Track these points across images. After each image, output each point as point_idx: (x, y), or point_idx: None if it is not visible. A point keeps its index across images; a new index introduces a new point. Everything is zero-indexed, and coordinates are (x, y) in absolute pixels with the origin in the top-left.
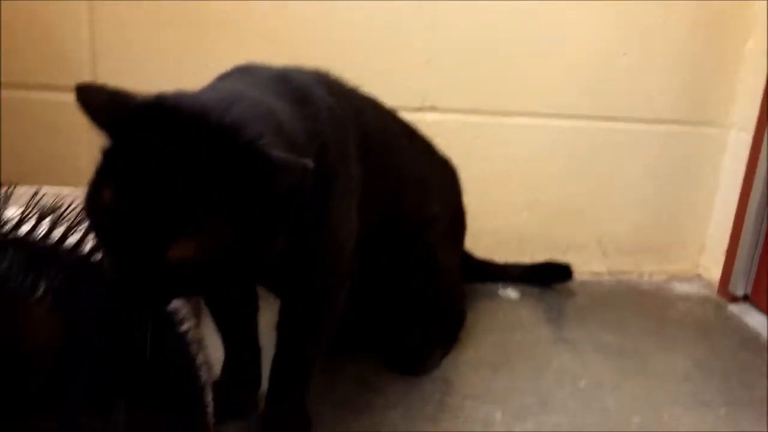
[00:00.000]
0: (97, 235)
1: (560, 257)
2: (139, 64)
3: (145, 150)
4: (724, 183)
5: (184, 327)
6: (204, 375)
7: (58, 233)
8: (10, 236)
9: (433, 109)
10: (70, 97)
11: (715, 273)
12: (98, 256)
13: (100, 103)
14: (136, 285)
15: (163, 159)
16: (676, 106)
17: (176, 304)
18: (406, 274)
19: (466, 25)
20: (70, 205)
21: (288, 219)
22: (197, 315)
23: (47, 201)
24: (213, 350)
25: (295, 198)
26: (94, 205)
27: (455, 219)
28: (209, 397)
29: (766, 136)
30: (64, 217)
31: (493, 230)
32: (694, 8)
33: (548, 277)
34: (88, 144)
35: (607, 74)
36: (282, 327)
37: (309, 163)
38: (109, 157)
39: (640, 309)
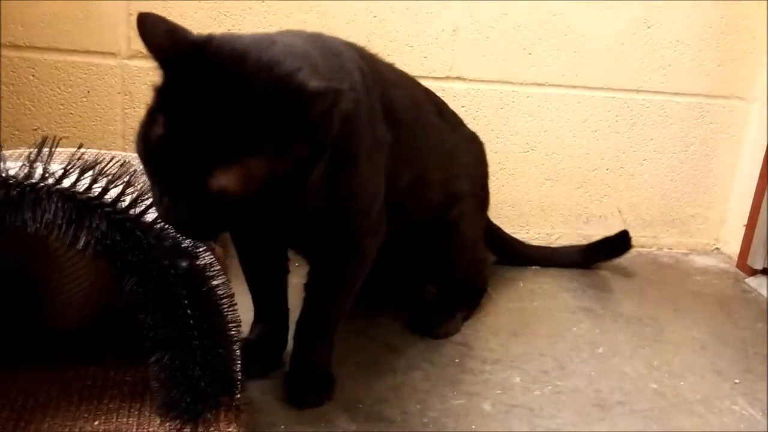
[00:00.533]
0: (147, 170)
1: (581, 228)
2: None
3: (193, 84)
4: (745, 157)
5: (216, 282)
6: (233, 331)
7: (99, 187)
8: (54, 189)
9: (459, 78)
10: (106, 61)
11: (734, 247)
12: (138, 209)
13: (158, 38)
14: (179, 215)
15: (209, 92)
16: (700, 80)
17: (209, 259)
18: (431, 246)
19: None
20: (111, 161)
21: (324, 149)
22: (226, 274)
23: (88, 157)
24: (241, 312)
25: (330, 123)
26: (145, 140)
27: (481, 194)
28: (238, 353)
29: None
30: (105, 172)
31: (515, 201)
32: None
33: (609, 252)
34: (121, 108)
35: (632, 47)
36: (311, 285)
37: (343, 87)
38: (161, 93)
39: (658, 280)
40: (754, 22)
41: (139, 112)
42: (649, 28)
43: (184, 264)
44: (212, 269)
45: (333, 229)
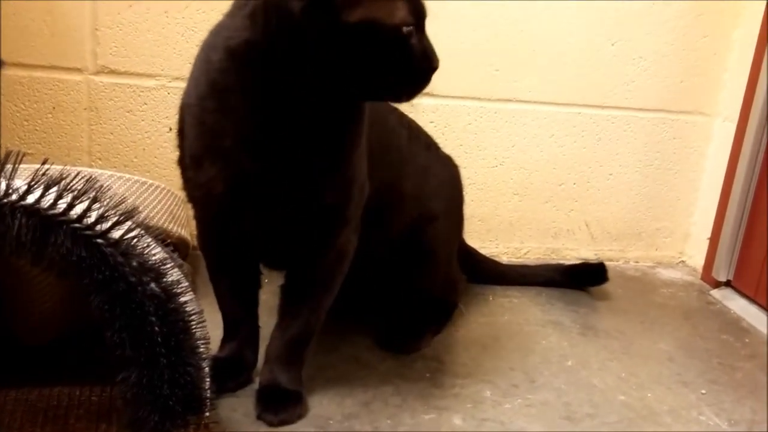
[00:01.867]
0: None
1: (549, 242)
2: (141, 45)
3: None
4: (708, 172)
5: (184, 299)
6: (202, 348)
7: (64, 203)
8: (18, 205)
9: (428, 94)
10: (71, 77)
11: (698, 260)
12: (105, 225)
13: None
14: None
15: None
16: (663, 95)
17: (177, 276)
18: (404, 264)
19: (461, 12)
20: (76, 177)
21: None
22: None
23: (53, 173)
24: (210, 329)
25: None
26: None
27: (456, 215)
28: (207, 371)
29: (749, 125)
30: (70, 187)
31: (484, 216)
32: None
33: (582, 280)
34: (88, 124)
35: (597, 63)
36: (288, 291)
37: None
38: None
39: (626, 294)
40: (714, 39)
41: (106, 128)
42: (612, 45)
43: (151, 281)
44: (180, 286)
45: (316, 221)
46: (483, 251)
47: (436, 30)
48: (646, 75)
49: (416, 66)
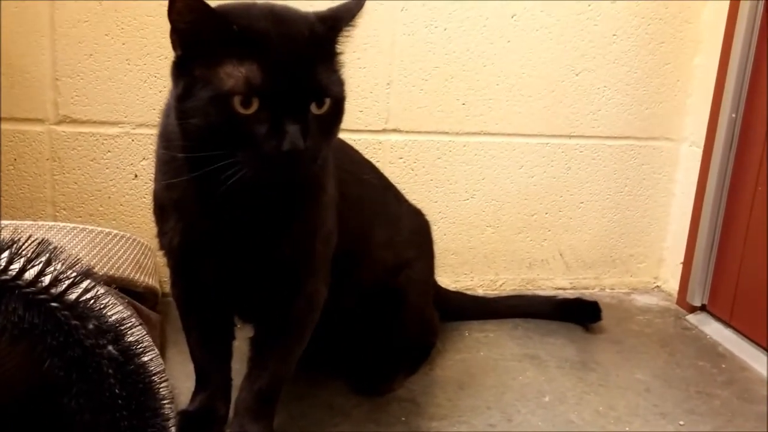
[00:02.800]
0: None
1: (524, 273)
2: (103, 93)
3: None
4: (678, 196)
5: (145, 358)
6: (167, 407)
7: (16, 268)
8: None
9: (395, 131)
10: (33, 128)
11: (673, 284)
12: (60, 287)
13: None
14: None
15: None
16: (629, 122)
17: (137, 335)
18: (378, 310)
19: (426, 48)
20: (28, 240)
21: None
22: (161, 346)
23: (5, 235)
24: (182, 380)
25: None
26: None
27: (429, 260)
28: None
29: (714, 149)
30: (22, 251)
31: (458, 249)
32: (642, 27)
33: (575, 316)
34: (51, 174)
35: (562, 94)
36: (258, 340)
37: None
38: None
39: (602, 322)
40: (676, 66)
41: (69, 177)
42: (577, 75)
43: (109, 344)
44: (140, 346)
45: (278, 274)
46: (458, 284)
47: (400, 66)
48: (611, 103)
49: (258, 145)
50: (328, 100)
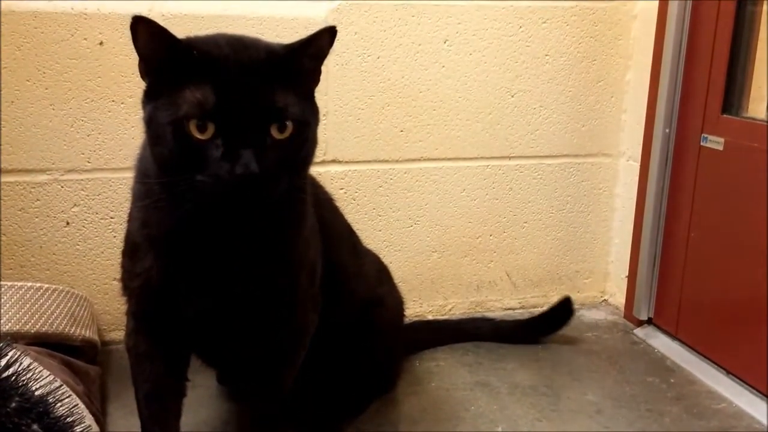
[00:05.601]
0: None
1: (473, 296)
2: (28, 140)
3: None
4: (619, 210)
5: (78, 429)
6: None
7: None
8: None
9: (334, 161)
10: None
11: (620, 298)
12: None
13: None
14: (266, 159)
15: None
16: (567, 140)
17: (67, 407)
18: (346, 345)
19: (360, 77)
20: None
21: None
22: (102, 399)
23: None
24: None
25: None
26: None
27: (399, 301)
28: None
29: (651, 162)
30: None
31: (405, 276)
32: (573, 46)
33: (555, 323)
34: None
35: (499, 116)
36: (251, 378)
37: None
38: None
39: (551, 341)
40: (609, 83)
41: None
42: (512, 96)
43: (33, 422)
44: (68, 419)
45: (271, 303)
46: (407, 312)
47: (335, 97)
48: (548, 123)
49: (213, 168)
50: (289, 124)
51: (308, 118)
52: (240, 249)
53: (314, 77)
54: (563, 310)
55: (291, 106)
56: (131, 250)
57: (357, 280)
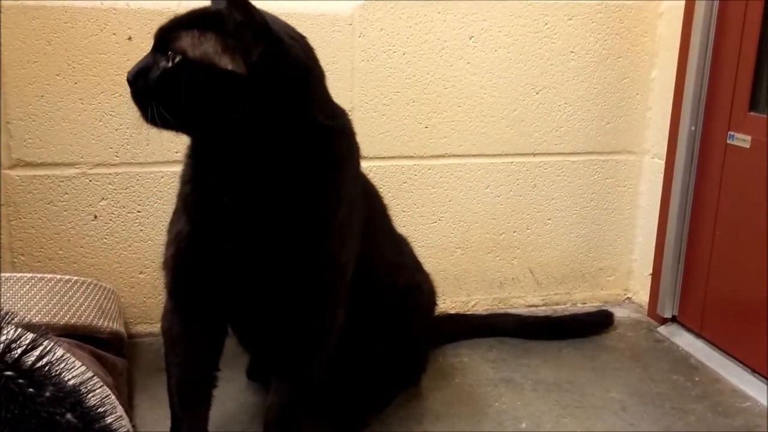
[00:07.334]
0: None
1: (496, 292)
2: (57, 134)
3: None
4: (643, 208)
5: (109, 420)
6: None
7: None
8: None
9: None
10: None
11: (643, 296)
12: (14, 354)
13: None
14: (139, 72)
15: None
16: (592, 137)
17: (99, 397)
18: (378, 335)
19: (386, 73)
20: None
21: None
22: (129, 392)
23: None
24: (150, 426)
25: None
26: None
27: (432, 287)
28: None
29: (676, 160)
30: None
31: (429, 272)
32: (599, 42)
33: (589, 328)
34: (7, 220)
35: (524, 112)
36: (283, 365)
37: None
38: None
39: (575, 339)
40: (634, 80)
41: (26, 222)
42: (537, 93)
43: (67, 412)
44: (100, 409)
45: (298, 297)
46: None
47: (361, 92)
48: (573, 120)
49: None
50: (170, 54)
51: (201, 57)
52: (265, 222)
53: None
54: (600, 317)
55: (182, 43)
56: (173, 218)
57: (398, 270)
